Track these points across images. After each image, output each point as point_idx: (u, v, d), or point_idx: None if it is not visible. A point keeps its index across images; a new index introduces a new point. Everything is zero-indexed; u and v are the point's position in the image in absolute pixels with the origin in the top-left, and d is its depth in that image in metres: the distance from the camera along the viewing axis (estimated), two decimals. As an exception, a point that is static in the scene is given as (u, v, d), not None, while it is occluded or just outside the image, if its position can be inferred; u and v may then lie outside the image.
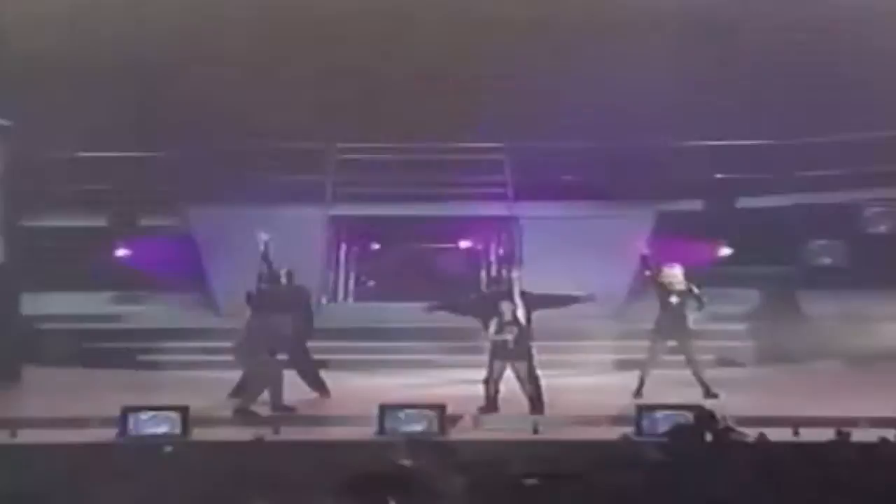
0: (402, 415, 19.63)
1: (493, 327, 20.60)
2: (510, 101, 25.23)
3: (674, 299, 22.17)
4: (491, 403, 20.37)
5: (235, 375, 21.66)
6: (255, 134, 25.25)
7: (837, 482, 17.25)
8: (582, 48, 25.78)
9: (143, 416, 19.85)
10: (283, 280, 22.11)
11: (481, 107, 25.21)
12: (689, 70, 25.27)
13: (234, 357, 21.62)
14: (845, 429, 17.03)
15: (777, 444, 16.18)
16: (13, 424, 19.63)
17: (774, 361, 23.96)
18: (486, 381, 20.45)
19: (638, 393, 21.71)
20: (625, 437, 18.16)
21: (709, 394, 21.18)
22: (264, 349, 21.17)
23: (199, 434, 19.59)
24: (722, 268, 24.96)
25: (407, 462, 17.95)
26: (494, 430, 19.70)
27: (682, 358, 22.11)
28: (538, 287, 21.21)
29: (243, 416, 20.74)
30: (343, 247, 24.54)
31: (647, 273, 22.93)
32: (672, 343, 22.24)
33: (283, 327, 21.63)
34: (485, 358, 20.79)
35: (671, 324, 22.21)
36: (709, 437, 18.61)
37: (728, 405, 19.38)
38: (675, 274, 22.11)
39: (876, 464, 17.63)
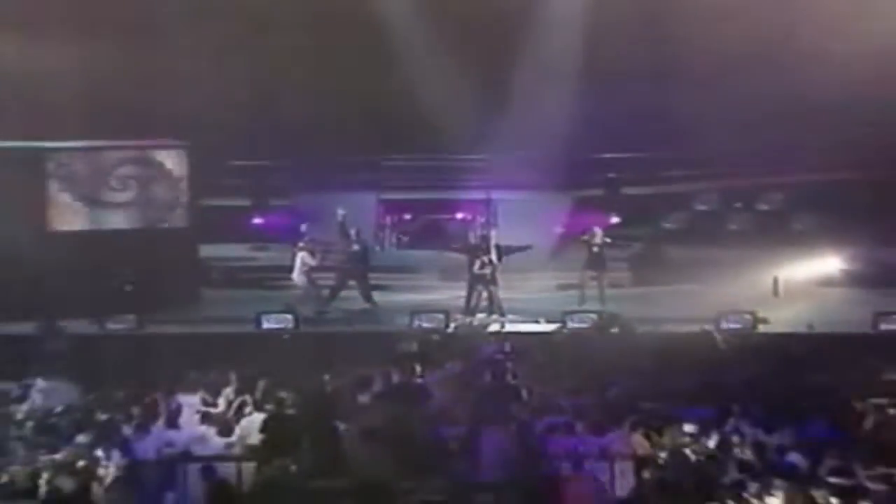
0: (423, 316, 22.39)
1: (476, 266, 23.03)
2: (489, 126, 25.93)
3: (595, 249, 24.21)
4: (472, 310, 23.13)
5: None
6: (337, 148, 26.39)
7: (698, 359, 19.54)
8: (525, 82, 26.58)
9: (270, 316, 22.40)
10: (353, 236, 23.79)
11: (470, 128, 26.16)
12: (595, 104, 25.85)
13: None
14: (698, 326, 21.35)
15: (652, 335, 21.21)
16: (202, 322, 22.89)
17: (645, 285, 25.64)
18: (469, 299, 23.21)
19: (582, 302, 23.91)
20: (558, 329, 22.16)
21: (604, 304, 23.59)
22: (343, 278, 24.05)
23: (304, 327, 22.60)
24: (614, 230, 25.76)
25: (425, 343, 20.64)
26: (475, 326, 22.70)
27: (595, 283, 24.34)
28: (504, 241, 23.41)
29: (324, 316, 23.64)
30: (387, 217, 26.49)
31: (584, 236, 24.35)
32: (592, 274, 24.31)
33: (354, 264, 23.91)
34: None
35: (594, 264, 24.34)
36: (613, 329, 21.85)
37: (619, 310, 22.72)
38: (597, 233, 24.21)
39: (722, 349, 20.62)
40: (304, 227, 25.64)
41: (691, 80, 25.18)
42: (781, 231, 26.71)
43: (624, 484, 14.74)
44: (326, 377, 18.70)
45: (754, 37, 24.64)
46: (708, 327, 21.60)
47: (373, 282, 24.36)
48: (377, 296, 24.09)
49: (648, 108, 25.92)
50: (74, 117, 22.89)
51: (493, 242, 23.37)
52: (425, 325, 22.14)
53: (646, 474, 14.62)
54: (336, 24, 25.83)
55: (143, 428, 16.34)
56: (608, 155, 27.57)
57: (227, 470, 14.86)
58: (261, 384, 18.21)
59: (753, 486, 13.52)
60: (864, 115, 23.45)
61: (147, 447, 15.88)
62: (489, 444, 15.30)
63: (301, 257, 24.13)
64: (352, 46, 26.35)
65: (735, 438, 16.03)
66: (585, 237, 24.48)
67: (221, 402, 17.93)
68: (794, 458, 15.06)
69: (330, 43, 25.99)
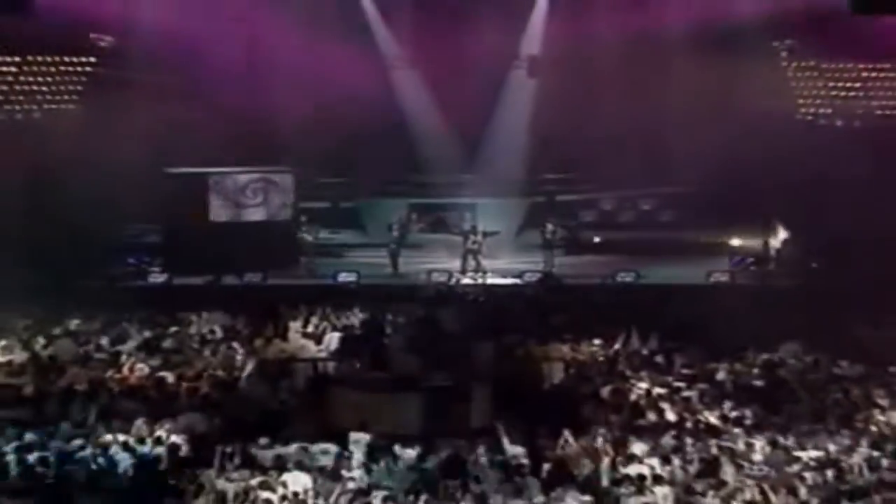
0: (435, 274, 22.79)
1: (468, 243, 23.26)
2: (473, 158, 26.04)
3: (549, 235, 23.89)
4: (464, 270, 23.09)
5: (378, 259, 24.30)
6: (381, 171, 26.07)
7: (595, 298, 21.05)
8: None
9: (343, 273, 22.86)
10: (395, 224, 24.24)
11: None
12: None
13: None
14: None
15: (571, 285, 22.44)
16: (300, 277, 23.29)
17: (572, 255, 24.72)
18: (463, 264, 23.18)
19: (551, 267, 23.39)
20: (527, 284, 22.58)
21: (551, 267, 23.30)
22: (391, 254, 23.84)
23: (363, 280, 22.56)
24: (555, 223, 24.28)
25: (436, 290, 21.66)
26: (468, 281, 22.71)
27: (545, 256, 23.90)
28: (485, 228, 23.45)
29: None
30: (413, 215, 25.90)
31: (547, 227, 23.92)
32: (546, 250, 23.86)
33: (397, 242, 24.06)
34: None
35: (547, 243, 23.93)
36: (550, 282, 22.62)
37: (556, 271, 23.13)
38: (548, 226, 23.79)
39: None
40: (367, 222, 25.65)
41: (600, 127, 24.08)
42: (655, 221, 26.65)
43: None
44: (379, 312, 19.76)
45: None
46: (622, 277, 22.50)
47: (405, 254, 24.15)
48: (411, 262, 24.03)
49: (575, 145, 25.15)
50: (226, 152, 23.41)
51: (478, 229, 23.42)
52: (436, 280, 22.59)
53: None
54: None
55: (268, 340, 17.93)
56: (548, 175, 26.94)
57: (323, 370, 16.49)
58: (336, 314, 19.70)
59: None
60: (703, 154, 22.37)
61: (269, 352, 17.50)
62: (477, 351, 16.71)
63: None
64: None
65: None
66: (546, 229, 24.03)
67: (311, 326, 19.08)
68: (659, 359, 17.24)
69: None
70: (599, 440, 13.02)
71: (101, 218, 20.76)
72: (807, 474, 12.01)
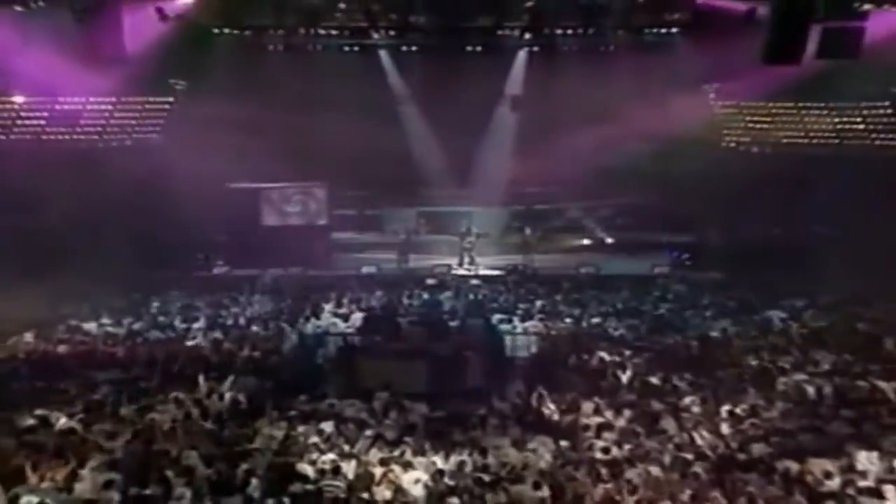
0: (438, 266, 22.58)
1: (464, 242, 22.96)
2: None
3: (527, 236, 23.61)
4: (461, 263, 22.67)
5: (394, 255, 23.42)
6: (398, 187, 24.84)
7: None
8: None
9: (365, 266, 22.69)
10: (408, 228, 24.39)
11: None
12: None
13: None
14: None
15: (549, 275, 21.68)
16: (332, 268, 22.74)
17: (544, 254, 23.64)
18: (460, 258, 22.82)
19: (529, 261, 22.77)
20: (509, 274, 22.11)
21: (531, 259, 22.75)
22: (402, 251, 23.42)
23: (382, 271, 22.34)
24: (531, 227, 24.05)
25: (439, 277, 21.50)
26: (463, 272, 22.24)
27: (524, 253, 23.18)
28: (477, 230, 23.04)
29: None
30: (421, 220, 25.48)
31: (526, 230, 23.65)
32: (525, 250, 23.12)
33: (408, 241, 23.91)
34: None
35: (525, 246, 23.49)
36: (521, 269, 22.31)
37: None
38: (527, 231, 23.58)
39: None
40: (387, 226, 25.05)
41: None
42: (611, 225, 25.59)
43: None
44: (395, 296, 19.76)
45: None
46: (585, 270, 22.10)
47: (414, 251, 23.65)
48: (419, 257, 23.54)
49: (547, 166, 23.67)
50: (273, 170, 22.83)
51: (472, 231, 23.05)
52: (438, 270, 22.35)
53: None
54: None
55: (307, 318, 17.84)
56: (527, 189, 25.48)
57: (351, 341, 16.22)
58: (360, 298, 19.65)
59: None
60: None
61: (308, 328, 17.35)
62: (470, 327, 16.66)
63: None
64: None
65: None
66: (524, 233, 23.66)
67: (341, 307, 18.96)
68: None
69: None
70: (568, 397, 13.07)
71: (179, 221, 20.90)
72: (728, 422, 12.22)
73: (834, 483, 9.85)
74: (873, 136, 19.29)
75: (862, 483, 9.84)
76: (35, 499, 9.50)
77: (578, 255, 23.39)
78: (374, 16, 16.50)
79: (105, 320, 17.88)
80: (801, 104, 20.66)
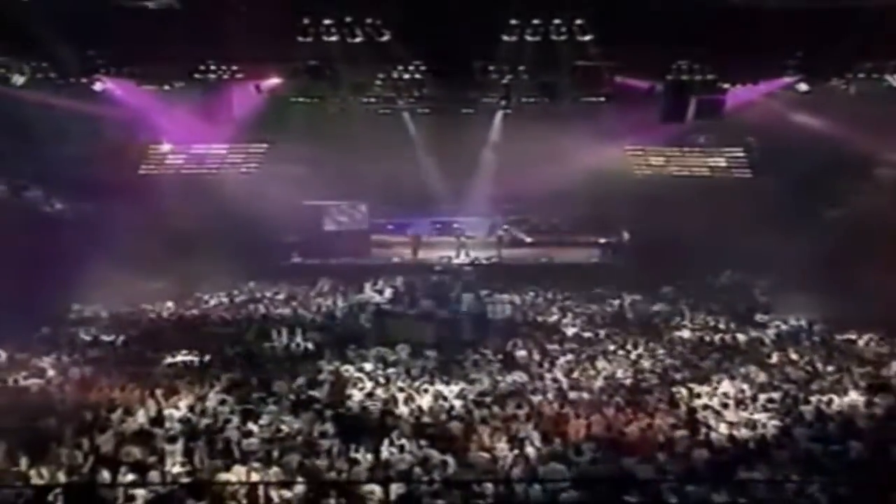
0: (443, 258, 21.37)
1: (460, 241, 22.05)
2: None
3: (503, 237, 22.39)
4: (458, 255, 21.54)
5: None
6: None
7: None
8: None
9: (393, 257, 22.08)
10: (422, 232, 22.65)
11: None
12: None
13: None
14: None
15: (517, 264, 20.90)
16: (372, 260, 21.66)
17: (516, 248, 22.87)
18: (458, 252, 21.70)
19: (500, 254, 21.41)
20: (490, 263, 21.04)
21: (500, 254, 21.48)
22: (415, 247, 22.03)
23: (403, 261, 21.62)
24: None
25: (443, 268, 20.26)
26: (459, 261, 21.17)
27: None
28: (470, 233, 22.24)
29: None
30: (432, 228, 23.36)
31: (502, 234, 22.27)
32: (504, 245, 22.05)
33: (421, 240, 22.53)
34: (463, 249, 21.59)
35: (501, 241, 22.25)
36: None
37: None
38: (502, 233, 22.44)
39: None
40: (408, 230, 23.41)
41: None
42: (559, 230, 23.62)
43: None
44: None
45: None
46: (542, 260, 21.44)
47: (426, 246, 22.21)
48: (430, 251, 22.13)
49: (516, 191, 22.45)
50: (331, 193, 22.18)
51: (466, 233, 22.39)
52: (443, 260, 21.33)
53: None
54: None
55: (354, 291, 18.20)
56: (503, 205, 23.52)
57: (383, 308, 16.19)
58: (389, 279, 19.10)
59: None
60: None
61: (354, 299, 17.61)
62: (464, 298, 16.32)
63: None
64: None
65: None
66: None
67: (376, 285, 18.64)
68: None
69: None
70: (530, 345, 13.21)
71: (268, 227, 19.99)
72: (636, 363, 12.47)
73: (704, 400, 10.23)
74: (732, 170, 19.44)
75: (720, 399, 10.31)
76: (177, 412, 9.83)
77: (537, 250, 22.30)
78: (399, 89, 16.85)
79: (220, 294, 18.15)
80: (685, 149, 20.29)
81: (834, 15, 10.16)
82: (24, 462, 7.59)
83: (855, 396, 10.00)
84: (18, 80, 13.67)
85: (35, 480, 7.25)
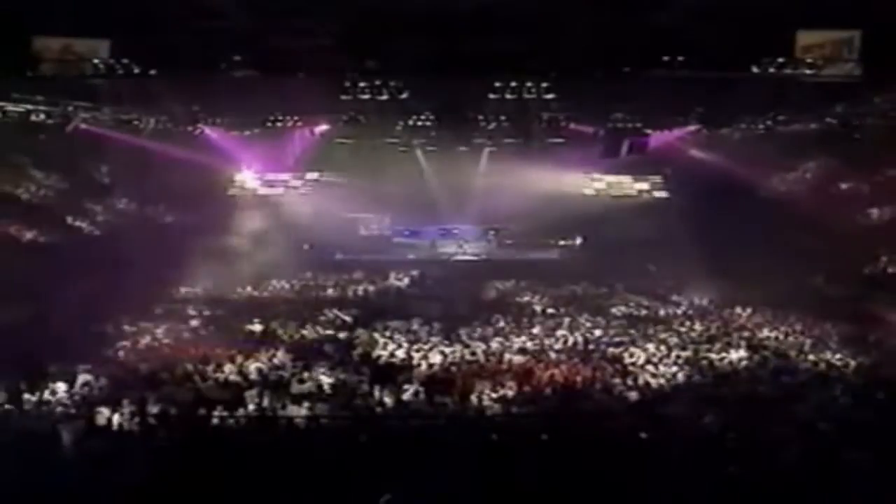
0: (446, 255, 20.81)
1: (460, 240, 21.30)
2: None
3: (491, 240, 21.42)
4: (457, 252, 20.81)
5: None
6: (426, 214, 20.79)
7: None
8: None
9: (410, 255, 20.57)
10: (431, 237, 21.41)
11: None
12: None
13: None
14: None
15: (501, 260, 19.93)
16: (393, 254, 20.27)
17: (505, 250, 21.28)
18: (458, 251, 20.88)
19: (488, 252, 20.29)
20: (480, 259, 20.37)
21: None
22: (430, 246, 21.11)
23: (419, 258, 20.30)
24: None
25: (447, 263, 19.63)
26: (459, 257, 20.56)
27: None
28: (467, 238, 21.32)
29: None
30: (439, 234, 22.08)
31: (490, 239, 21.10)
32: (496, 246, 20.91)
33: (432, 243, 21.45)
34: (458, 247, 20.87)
35: (489, 243, 21.02)
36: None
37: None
38: (490, 237, 21.25)
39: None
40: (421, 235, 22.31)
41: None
42: (532, 236, 21.86)
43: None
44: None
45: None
46: (518, 257, 20.05)
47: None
48: (439, 251, 20.94)
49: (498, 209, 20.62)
50: (365, 207, 21.55)
51: (464, 238, 21.54)
52: (447, 257, 20.72)
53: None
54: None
55: (381, 279, 17.62)
56: (490, 219, 22.14)
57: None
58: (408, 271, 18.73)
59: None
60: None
61: (379, 286, 17.21)
62: (461, 283, 16.37)
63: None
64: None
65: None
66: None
67: (400, 274, 18.28)
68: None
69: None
70: (509, 318, 13.15)
71: (318, 233, 19.77)
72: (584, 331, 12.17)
73: (633, 359, 10.14)
74: (654, 191, 19.52)
75: (645, 356, 10.23)
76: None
77: (516, 250, 21.19)
78: (414, 133, 17.17)
79: (284, 281, 17.79)
80: (620, 176, 20.36)
81: (724, 83, 10.80)
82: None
83: (739, 354, 10.21)
84: (147, 128, 14.45)
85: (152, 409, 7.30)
